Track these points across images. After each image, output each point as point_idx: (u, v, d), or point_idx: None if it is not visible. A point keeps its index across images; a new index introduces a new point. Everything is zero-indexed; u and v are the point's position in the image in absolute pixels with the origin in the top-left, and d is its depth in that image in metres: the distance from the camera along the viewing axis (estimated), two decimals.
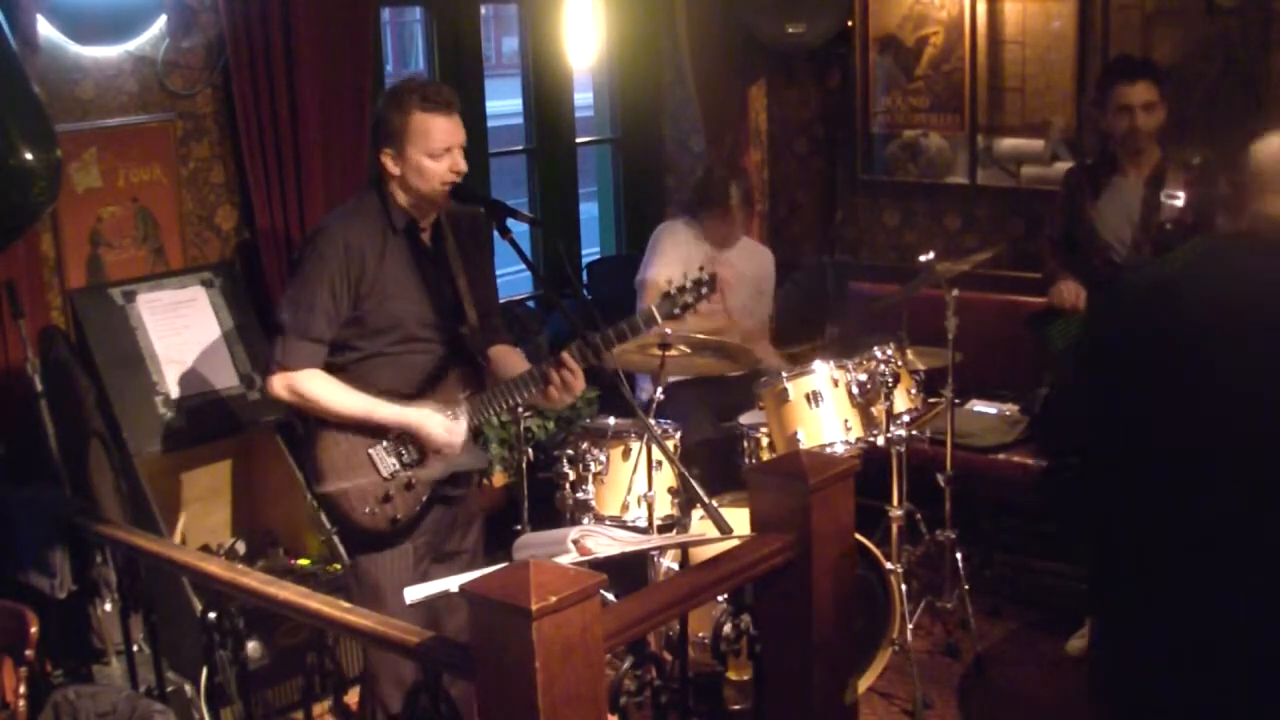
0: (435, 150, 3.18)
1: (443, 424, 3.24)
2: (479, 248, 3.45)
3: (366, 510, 3.25)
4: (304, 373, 3.20)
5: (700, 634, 3.79)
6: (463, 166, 3.24)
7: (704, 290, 3.32)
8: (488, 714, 2.24)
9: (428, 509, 3.33)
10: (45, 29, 3.94)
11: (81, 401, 3.90)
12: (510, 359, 3.43)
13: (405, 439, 3.27)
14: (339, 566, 4.08)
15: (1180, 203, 4.11)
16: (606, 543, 2.77)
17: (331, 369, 3.28)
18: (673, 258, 4.79)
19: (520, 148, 5.99)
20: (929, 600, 4.57)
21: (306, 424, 3.36)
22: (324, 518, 3.43)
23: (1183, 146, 4.94)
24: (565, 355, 3.20)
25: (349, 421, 3.23)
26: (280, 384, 3.22)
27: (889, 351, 4.16)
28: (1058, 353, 4.44)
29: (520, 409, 4.10)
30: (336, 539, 3.62)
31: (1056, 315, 4.37)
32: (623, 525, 4.06)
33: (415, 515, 3.30)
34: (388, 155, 3.23)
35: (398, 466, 3.27)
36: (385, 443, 3.27)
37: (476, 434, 3.39)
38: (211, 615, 2.97)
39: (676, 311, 3.31)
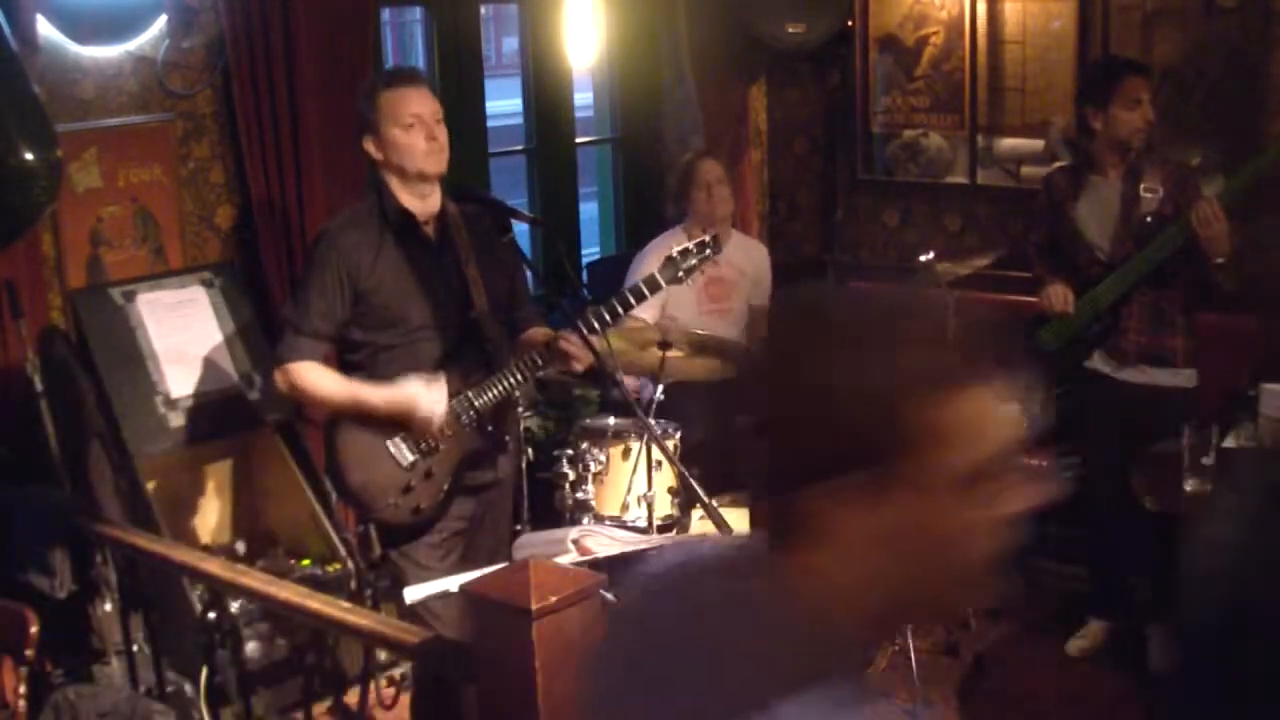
0: (404, 120, 3.26)
1: (421, 392, 3.27)
2: (497, 242, 3.47)
3: (389, 503, 3.30)
4: (297, 366, 3.29)
5: None
6: (440, 137, 3.31)
7: (708, 251, 3.37)
8: (488, 714, 2.24)
9: (451, 498, 3.36)
10: (45, 29, 3.94)
11: (81, 401, 3.90)
12: (538, 334, 3.49)
13: (414, 426, 3.30)
14: (338, 566, 4.09)
15: (1159, 195, 4.13)
16: (606, 543, 2.78)
17: (347, 366, 3.38)
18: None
19: (520, 148, 5.99)
20: None
21: (326, 425, 3.41)
22: (325, 522, 3.46)
23: (1183, 146, 4.95)
24: (578, 325, 3.27)
25: (341, 410, 3.31)
26: (280, 379, 3.34)
27: None
28: (1051, 354, 4.44)
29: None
30: (373, 537, 3.67)
31: (1045, 319, 4.39)
32: (623, 525, 4.05)
33: (439, 504, 3.34)
34: (370, 143, 3.33)
35: (416, 456, 3.32)
36: (402, 434, 3.30)
37: (500, 415, 3.39)
38: (211, 615, 2.97)
39: (680, 275, 3.36)
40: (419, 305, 3.33)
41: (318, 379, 3.30)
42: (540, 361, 3.35)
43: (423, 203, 3.36)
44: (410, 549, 3.37)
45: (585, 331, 3.25)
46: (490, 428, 3.41)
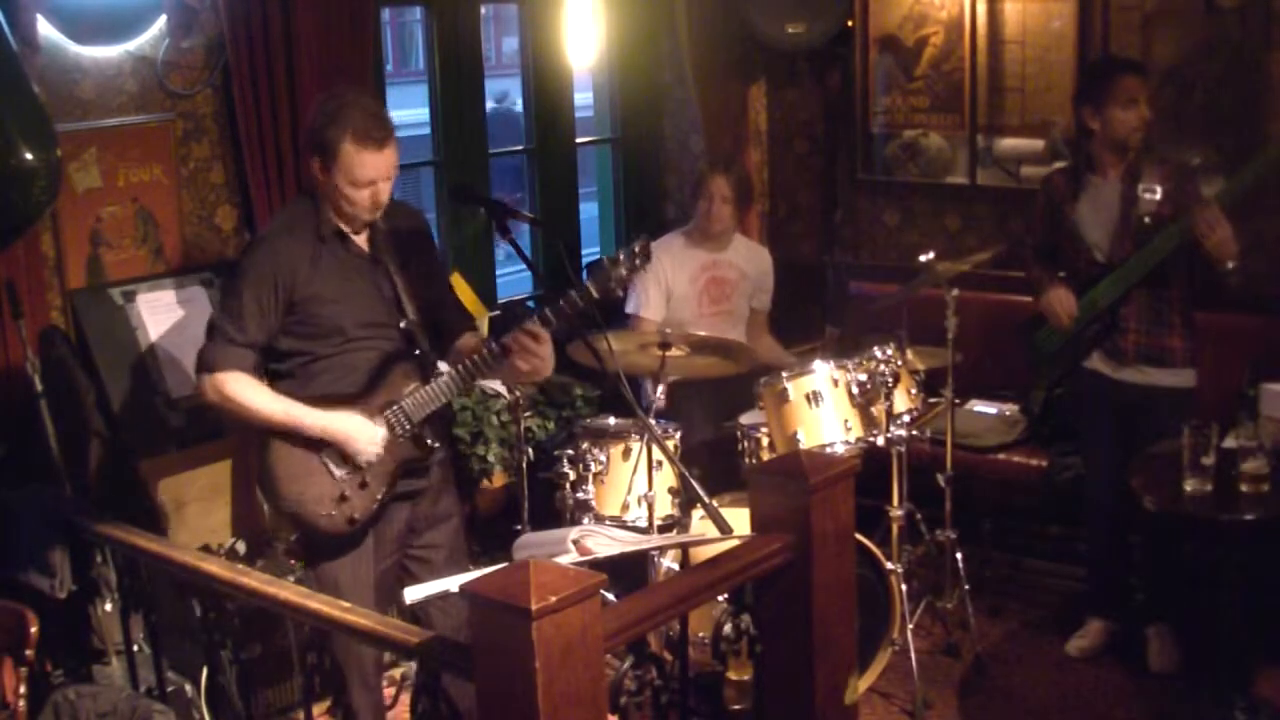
0: (359, 182, 3.23)
1: (361, 429, 3.27)
2: (420, 248, 3.48)
3: (324, 513, 3.28)
4: (230, 375, 3.25)
5: (700, 634, 3.79)
6: (383, 200, 3.27)
7: (637, 261, 3.28)
8: (488, 714, 2.24)
9: (385, 506, 3.36)
10: (45, 29, 3.94)
11: (81, 401, 3.90)
12: (472, 342, 3.47)
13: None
14: None
15: (1158, 196, 4.12)
16: (606, 543, 2.77)
17: (278, 375, 3.35)
18: (655, 283, 4.75)
19: (520, 148, 6.00)
20: (929, 600, 4.57)
21: (259, 437, 3.35)
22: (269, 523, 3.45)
23: (1183, 146, 4.95)
24: (527, 325, 3.22)
25: (272, 425, 3.27)
26: (208, 386, 3.28)
27: (889, 351, 4.16)
28: (1046, 357, 4.44)
29: (509, 400, 4.12)
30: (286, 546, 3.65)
31: (1043, 321, 4.39)
32: (623, 525, 4.06)
33: (373, 513, 3.33)
34: (316, 164, 3.28)
35: (350, 467, 3.30)
36: (335, 446, 3.30)
37: (425, 424, 3.39)
38: (212, 615, 2.97)
39: (612, 284, 3.28)
40: (355, 315, 3.31)
41: (250, 393, 3.26)
42: (480, 368, 3.32)
43: (347, 223, 3.35)
44: (341, 561, 3.36)
45: (527, 336, 3.20)
46: (429, 440, 3.39)
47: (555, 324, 3.24)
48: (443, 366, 3.48)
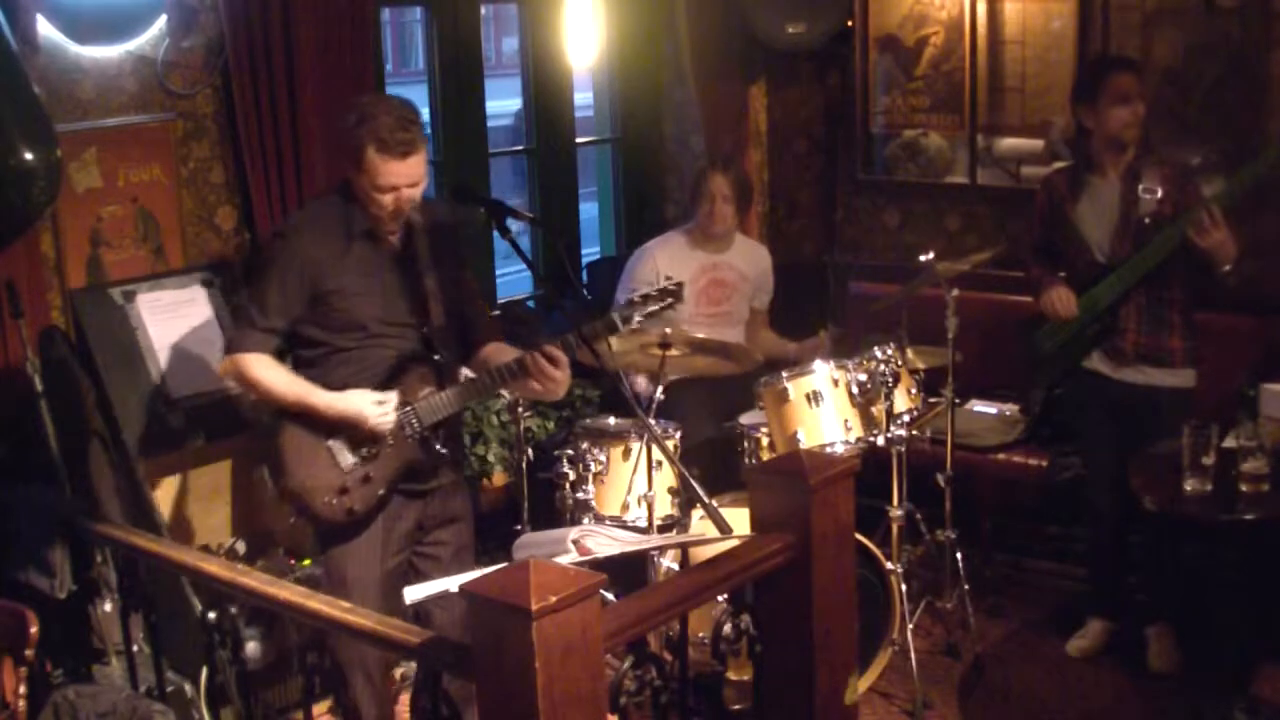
0: (381, 188, 3.25)
1: (368, 405, 3.29)
2: (452, 249, 3.50)
3: (324, 501, 3.32)
4: (250, 357, 3.32)
5: (700, 634, 3.79)
6: (406, 206, 3.29)
7: (670, 300, 3.33)
8: (488, 714, 2.24)
9: (386, 502, 3.37)
10: (45, 29, 3.94)
11: (81, 401, 3.90)
12: (503, 354, 3.46)
13: (358, 432, 3.31)
14: None
15: (1158, 196, 4.12)
16: (606, 543, 2.78)
17: (300, 362, 3.39)
18: (652, 283, 4.75)
19: (520, 148, 5.99)
20: (929, 600, 4.57)
21: (271, 419, 3.41)
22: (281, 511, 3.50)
23: (1183, 146, 4.95)
24: (547, 348, 3.26)
25: (287, 405, 3.32)
26: (229, 367, 3.38)
27: (889, 351, 4.16)
28: (1046, 357, 4.44)
29: (509, 400, 4.14)
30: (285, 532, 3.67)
31: (1043, 321, 4.39)
32: (623, 525, 4.06)
33: (373, 508, 3.35)
34: (349, 165, 3.31)
35: (356, 461, 3.32)
36: (345, 435, 3.32)
37: (436, 428, 3.39)
38: (211, 615, 2.97)
39: (639, 319, 3.32)
40: (378, 312, 3.34)
41: (267, 373, 3.32)
42: (500, 381, 3.34)
43: (378, 222, 3.36)
44: (345, 548, 3.38)
45: (544, 358, 3.23)
46: (438, 446, 3.40)
47: (575, 351, 3.26)
48: (466, 372, 3.49)
